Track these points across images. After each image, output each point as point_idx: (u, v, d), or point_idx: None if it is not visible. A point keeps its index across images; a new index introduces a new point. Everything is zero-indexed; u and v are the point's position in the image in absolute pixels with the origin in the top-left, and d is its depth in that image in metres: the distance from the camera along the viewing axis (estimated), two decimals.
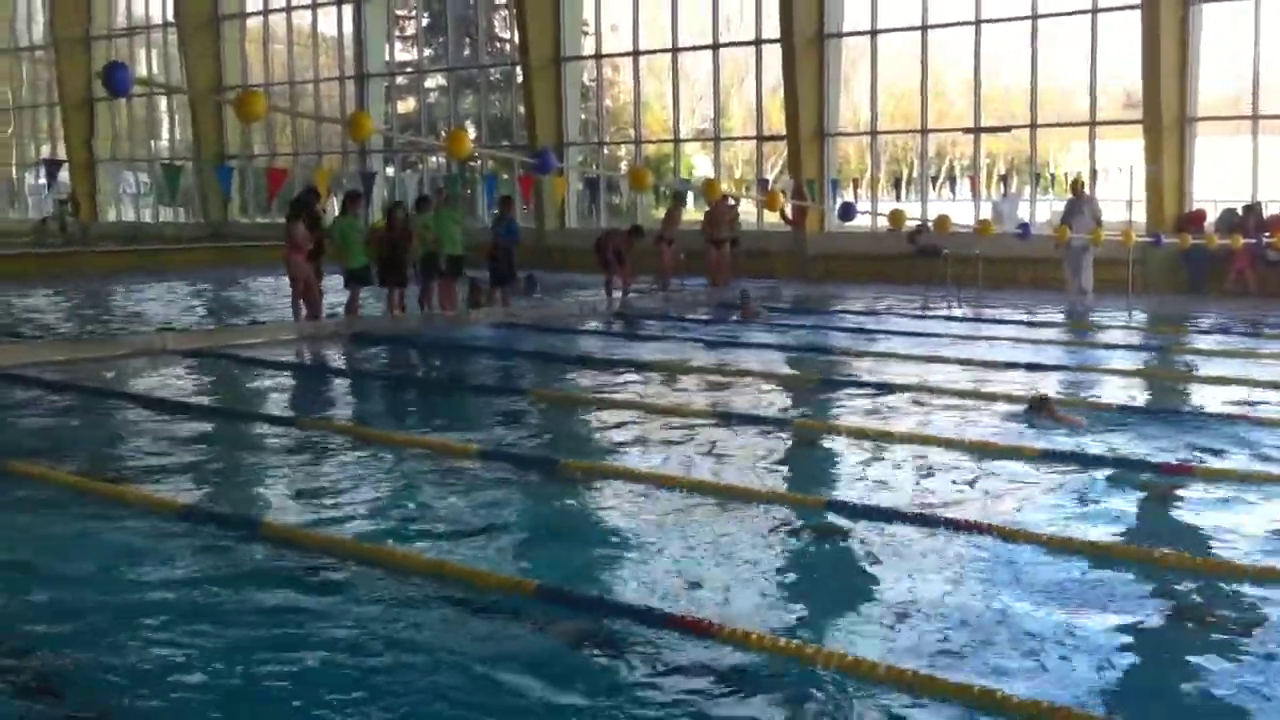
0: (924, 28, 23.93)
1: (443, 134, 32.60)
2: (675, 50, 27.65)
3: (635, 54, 28.41)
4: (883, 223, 18.58)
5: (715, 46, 27.02)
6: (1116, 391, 11.60)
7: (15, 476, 8.10)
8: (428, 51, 33.76)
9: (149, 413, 10.62)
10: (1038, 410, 9.77)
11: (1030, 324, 16.72)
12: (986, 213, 23.55)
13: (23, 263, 28.63)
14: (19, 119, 44.43)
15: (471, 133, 32.46)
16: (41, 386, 11.84)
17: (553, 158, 10.09)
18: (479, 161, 29.67)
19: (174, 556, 6.39)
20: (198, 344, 14.61)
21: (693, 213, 25.12)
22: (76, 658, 5.06)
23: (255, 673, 4.92)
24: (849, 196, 23.48)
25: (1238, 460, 8.43)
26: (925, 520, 6.88)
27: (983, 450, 8.72)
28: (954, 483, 7.89)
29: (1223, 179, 21.55)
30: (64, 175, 35.82)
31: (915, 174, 26.53)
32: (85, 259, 29.15)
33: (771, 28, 25.11)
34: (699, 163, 30.80)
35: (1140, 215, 21.22)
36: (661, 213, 24.25)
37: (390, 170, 33.90)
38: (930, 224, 14.36)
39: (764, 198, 18.14)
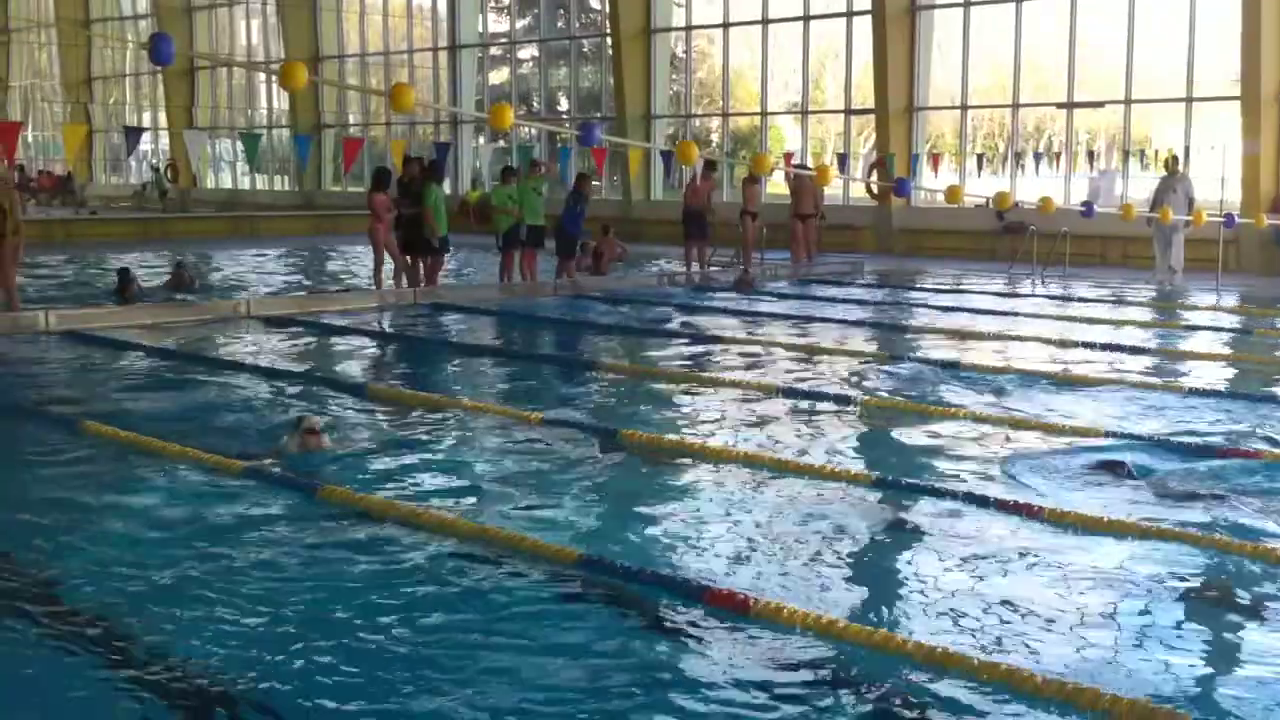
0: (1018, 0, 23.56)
1: (535, 105, 32.97)
2: (765, 22, 27.51)
3: (725, 26, 28.31)
4: (969, 200, 18.45)
5: (806, 18, 26.80)
6: (1188, 373, 11.39)
7: (88, 434, 8.34)
8: (521, 22, 33.91)
9: (223, 376, 10.86)
10: None
11: (1110, 303, 16.47)
12: (1080, 189, 23.19)
13: (123, 226, 29.39)
14: (122, 86, 45.41)
15: (564, 104, 32.73)
16: (123, 348, 12.15)
17: (597, 131, 10.05)
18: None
19: (230, 517, 6.54)
20: (277, 310, 14.87)
21: (776, 186, 25.00)
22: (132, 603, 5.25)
23: (302, 628, 5.04)
24: (930, 171, 23.27)
25: None
26: (980, 501, 6.85)
27: (1043, 430, 8.63)
28: (1006, 462, 7.81)
29: None
30: (164, 142, 36.58)
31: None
32: (180, 224, 29.81)
33: None
34: (790, 136, 30.59)
35: (1236, 194, 20.70)
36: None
37: (481, 140, 34.14)
38: (989, 200, 14.15)
39: (807, 171, 17.90)
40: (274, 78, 36.75)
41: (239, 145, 40.36)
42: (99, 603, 5.33)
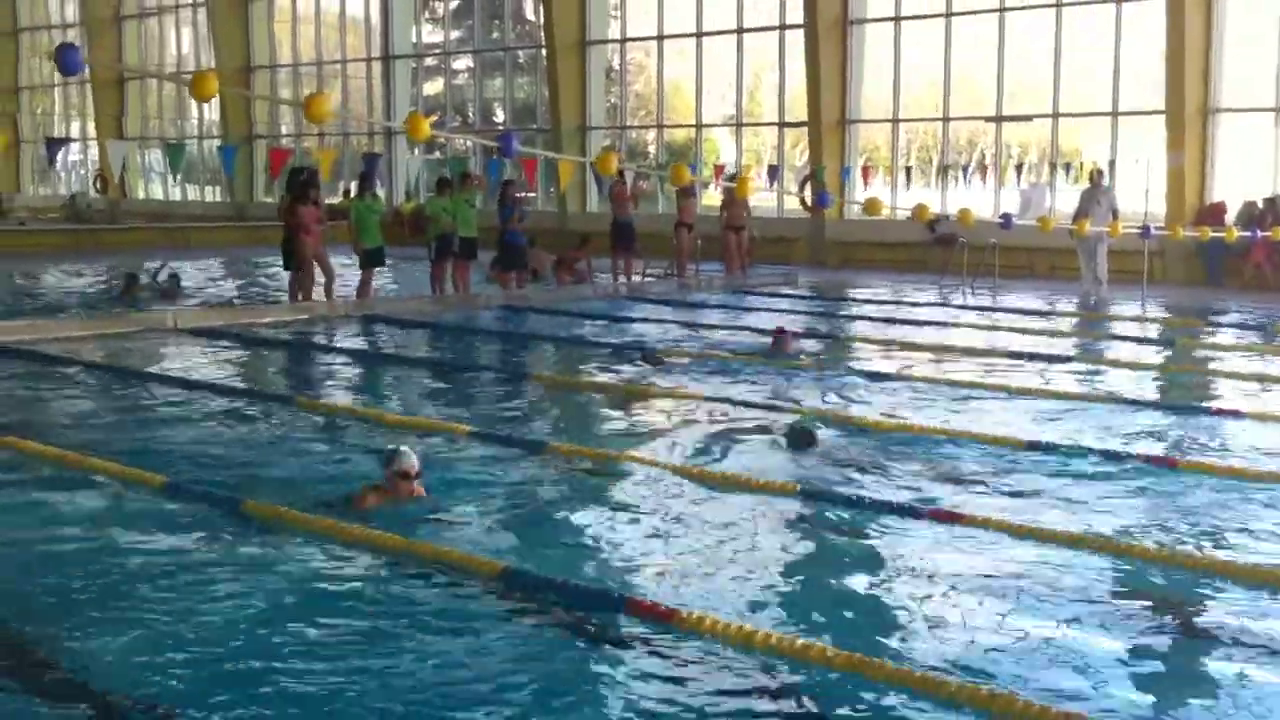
0: (948, 15, 23.82)
1: (470, 117, 32.89)
2: (700, 35, 27.62)
3: (660, 38, 28.38)
4: (898, 213, 18.63)
5: (739, 31, 26.94)
6: (1115, 382, 11.56)
7: (10, 449, 8.22)
8: (455, 33, 33.83)
9: (150, 389, 10.74)
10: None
11: (1036, 314, 16.71)
12: (1009, 202, 23.46)
13: (53, 238, 28.98)
14: (50, 96, 44.79)
15: (499, 115, 32.65)
16: (48, 362, 11.98)
17: (515, 142, 10.08)
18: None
19: (155, 531, 6.47)
20: (206, 322, 14.72)
21: (713, 198, 25.13)
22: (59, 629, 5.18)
23: (233, 645, 5.00)
24: (861, 185, 23.46)
25: (1223, 455, 8.41)
26: (905, 511, 6.91)
27: (968, 440, 8.71)
28: (938, 473, 7.88)
29: (1251, 171, 21.24)
30: (94, 153, 36.06)
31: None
32: (112, 235, 29.42)
33: (796, 13, 25.02)
34: (726, 148, 30.72)
35: (1160, 206, 21.03)
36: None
37: (416, 151, 33.95)
38: (910, 211, 14.39)
39: (733, 184, 18.02)
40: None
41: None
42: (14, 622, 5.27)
